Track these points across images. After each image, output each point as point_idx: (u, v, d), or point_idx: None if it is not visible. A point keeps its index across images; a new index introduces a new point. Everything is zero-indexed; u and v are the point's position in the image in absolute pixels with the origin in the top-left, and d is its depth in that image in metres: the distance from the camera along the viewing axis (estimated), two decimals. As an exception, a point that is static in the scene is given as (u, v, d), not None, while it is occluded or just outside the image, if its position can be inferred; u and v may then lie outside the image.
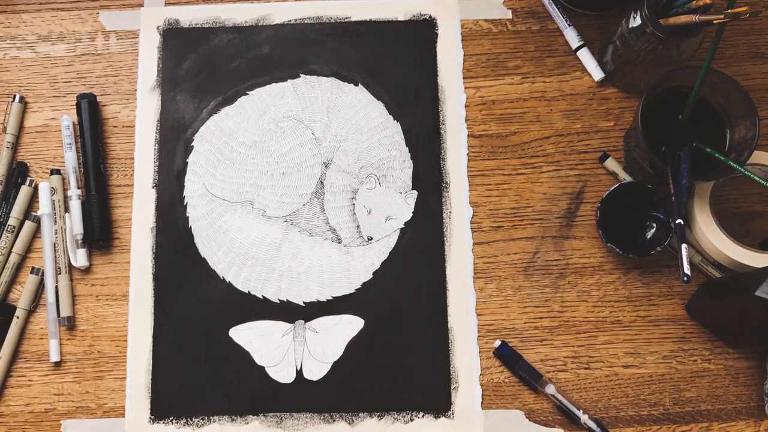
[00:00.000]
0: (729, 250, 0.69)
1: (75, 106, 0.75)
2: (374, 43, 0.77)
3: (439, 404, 0.70)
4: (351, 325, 0.71)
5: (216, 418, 0.70)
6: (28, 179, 0.74)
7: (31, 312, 0.72)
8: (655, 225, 0.71)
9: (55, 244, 0.72)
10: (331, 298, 0.72)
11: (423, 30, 0.77)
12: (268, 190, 0.74)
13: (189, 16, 0.78)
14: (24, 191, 0.73)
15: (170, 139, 0.75)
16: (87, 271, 0.73)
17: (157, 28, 0.77)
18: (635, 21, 0.67)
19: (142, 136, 0.75)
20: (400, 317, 0.71)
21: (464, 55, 0.76)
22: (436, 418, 0.70)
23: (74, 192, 0.73)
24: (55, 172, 0.74)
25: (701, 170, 0.67)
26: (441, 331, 0.71)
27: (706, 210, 0.69)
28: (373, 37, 0.77)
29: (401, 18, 0.77)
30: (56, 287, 0.72)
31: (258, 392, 0.70)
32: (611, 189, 0.69)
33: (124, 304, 0.72)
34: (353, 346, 0.71)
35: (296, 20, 0.77)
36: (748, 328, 0.66)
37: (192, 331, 0.71)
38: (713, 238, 0.69)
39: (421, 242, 0.73)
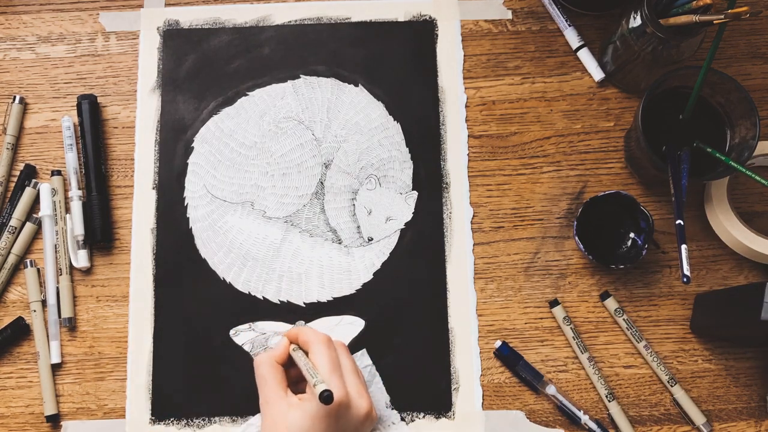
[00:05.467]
0: (753, 243, 0.69)
1: (75, 107, 0.75)
2: (374, 43, 0.77)
3: (440, 405, 0.70)
4: (351, 325, 0.71)
5: (217, 418, 0.70)
6: (33, 181, 0.74)
7: (44, 303, 0.72)
8: (629, 243, 0.71)
9: (56, 245, 0.72)
10: (331, 298, 0.72)
11: (423, 30, 0.77)
12: (268, 191, 0.74)
13: (189, 17, 0.78)
14: (27, 193, 0.73)
15: (170, 140, 0.75)
16: (87, 272, 0.73)
17: (157, 29, 0.77)
18: (635, 21, 0.67)
19: (143, 137, 0.75)
20: (400, 318, 0.71)
21: (464, 56, 0.76)
22: (437, 418, 0.70)
23: (75, 193, 0.73)
24: (56, 173, 0.74)
25: (702, 170, 0.67)
26: (441, 331, 0.71)
27: (725, 203, 0.70)
28: (373, 37, 0.77)
29: (401, 18, 0.77)
30: (57, 288, 0.72)
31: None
32: (606, 192, 0.69)
33: (125, 305, 0.72)
34: (354, 346, 0.71)
35: (296, 21, 0.77)
36: (757, 340, 0.67)
37: (192, 331, 0.71)
38: (735, 230, 0.69)
39: (422, 243, 0.73)
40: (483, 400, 0.70)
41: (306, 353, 0.63)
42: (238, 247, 0.73)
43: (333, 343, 0.64)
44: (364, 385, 0.63)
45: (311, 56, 0.77)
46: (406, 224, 0.73)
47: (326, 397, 0.56)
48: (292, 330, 0.65)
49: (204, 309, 0.72)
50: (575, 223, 0.69)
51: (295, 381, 0.64)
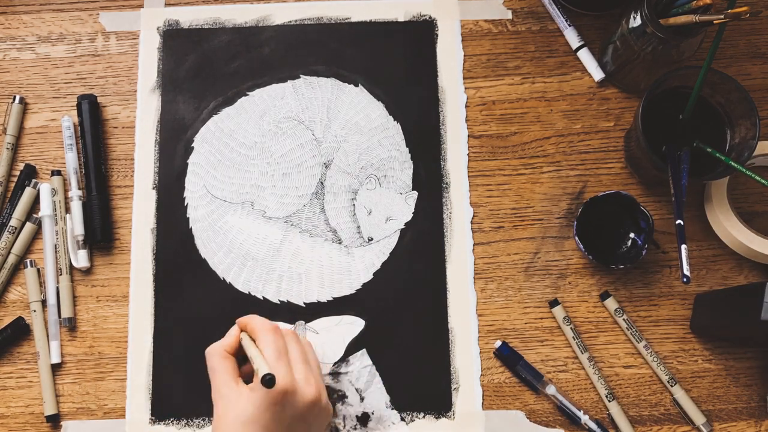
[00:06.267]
0: (753, 243, 0.69)
1: (75, 107, 0.75)
2: (374, 43, 0.77)
3: (440, 405, 0.70)
4: (351, 325, 0.71)
5: (216, 418, 0.70)
6: (33, 181, 0.74)
7: (44, 303, 0.72)
8: (629, 243, 0.71)
9: (56, 245, 0.72)
10: (331, 298, 0.72)
11: (423, 30, 0.77)
12: (268, 191, 0.74)
13: (189, 16, 0.78)
14: (27, 193, 0.73)
15: (170, 140, 0.75)
16: (87, 272, 0.73)
17: (157, 29, 0.77)
18: (635, 21, 0.67)
19: (143, 137, 0.75)
20: (400, 318, 0.71)
21: (464, 56, 0.76)
22: (437, 418, 0.70)
23: (75, 193, 0.73)
24: (56, 173, 0.74)
25: (702, 170, 0.67)
26: (441, 331, 0.71)
27: (725, 203, 0.70)
28: (373, 37, 0.77)
29: (401, 18, 0.77)
30: (57, 288, 0.72)
31: (258, 393, 0.70)
32: (606, 192, 0.69)
33: (125, 305, 0.72)
34: (354, 346, 0.71)
35: (296, 21, 0.77)
36: (757, 340, 0.67)
37: (192, 332, 0.71)
38: (735, 230, 0.69)
39: (422, 243, 0.73)
40: (483, 400, 0.70)
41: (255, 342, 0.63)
42: (238, 247, 0.73)
43: (280, 331, 0.64)
44: (313, 372, 0.63)
45: (311, 56, 0.77)
46: (406, 224, 0.73)
47: (268, 380, 0.56)
48: (243, 319, 0.65)
49: (204, 309, 0.72)
50: (575, 223, 0.69)
51: (250, 372, 0.64)
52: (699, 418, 0.69)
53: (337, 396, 0.70)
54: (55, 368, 0.71)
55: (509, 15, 0.77)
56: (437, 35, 0.77)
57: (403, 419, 0.70)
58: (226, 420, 0.59)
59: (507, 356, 0.70)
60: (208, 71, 0.76)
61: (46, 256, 0.72)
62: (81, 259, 0.72)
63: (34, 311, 0.71)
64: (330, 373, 0.70)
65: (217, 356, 0.62)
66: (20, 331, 0.71)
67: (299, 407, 0.60)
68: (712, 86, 0.67)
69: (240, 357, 0.64)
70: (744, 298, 0.62)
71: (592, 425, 0.69)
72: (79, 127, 0.74)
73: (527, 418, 0.70)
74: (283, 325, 0.71)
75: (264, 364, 0.59)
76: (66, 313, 0.71)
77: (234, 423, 0.59)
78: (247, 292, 0.72)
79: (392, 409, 0.70)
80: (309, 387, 0.61)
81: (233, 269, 0.73)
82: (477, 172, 0.74)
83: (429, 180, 0.74)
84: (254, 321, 0.64)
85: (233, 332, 0.64)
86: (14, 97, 0.75)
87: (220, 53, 0.77)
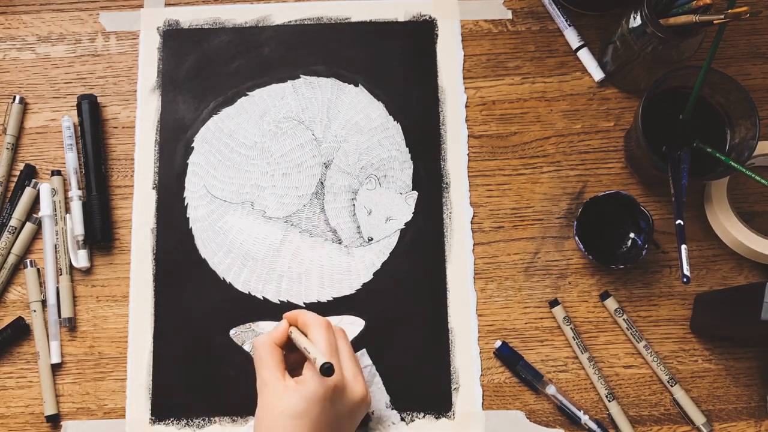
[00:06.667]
0: (753, 243, 0.69)
1: (75, 107, 0.75)
2: (374, 43, 0.77)
3: (440, 405, 0.70)
4: (351, 325, 0.71)
5: (217, 419, 0.70)
6: (33, 181, 0.74)
7: (44, 303, 0.72)
8: (629, 243, 0.71)
9: (56, 245, 0.72)
10: (331, 298, 0.72)
11: (423, 30, 0.77)
12: (268, 191, 0.74)
13: (189, 16, 0.78)
14: (27, 193, 0.73)
15: (170, 140, 0.75)
16: (87, 272, 0.73)
17: (157, 29, 0.77)
18: (635, 21, 0.67)
19: (143, 137, 0.75)
20: (400, 318, 0.71)
21: (464, 56, 0.76)
22: (437, 418, 0.70)
23: (75, 193, 0.73)
24: (56, 173, 0.74)
25: (702, 170, 0.67)
26: (441, 331, 0.71)
27: (725, 203, 0.70)
28: (373, 37, 0.77)
29: (401, 18, 0.77)
30: (57, 288, 0.72)
31: (258, 393, 0.70)
32: (606, 192, 0.69)
33: (125, 305, 0.72)
34: (354, 346, 0.71)
35: (296, 21, 0.77)
36: (758, 341, 0.67)
37: (192, 332, 0.71)
38: (735, 230, 0.69)
39: (422, 243, 0.73)
40: (483, 400, 0.70)
41: (305, 336, 0.63)
42: (238, 247, 0.73)
43: (332, 327, 0.64)
44: (360, 370, 0.63)
45: (311, 56, 0.77)
46: (406, 224, 0.73)
47: (327, 369, 0.56)
48: (292, 312, 0.65)
49: (204, 309, 0.72)
50: (575, 223, 0.69)
51: (294, 367, 0.64)
52: (699, 418, 0.69)
53: None
54: (55, 368, 0.71)
55: (509, 15, 0.77)
56: (437, 35, 0.77)
57: (403, 419, 0.70)
58: (273, 413, 0.59)
59: (507, 356, 0.70)
60: (208, 71, 0.76)
61: (46, 256, 0.72)
62: (81, 259, 0.72)
63: (34, 311, 0.71)
64: None
65: (266, 346, 0.62)
66: (20, 331, 0.71)
67: (348, 404, 0.61)
68: (712, 86, 0.67)
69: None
70: (744, 298, 0.62)
71: (592, 425, 0.69)
72: (79, 127, 0.74)
73: (527, 418, 0.70)
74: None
75: (320, 354, 0.59)
76: (66, 313, 0.71)
77: (281, 416, 0.58)
78: (247, 292, 0.72)
79: (392, 409, 0.70)
80: (358, 384, 0.62)
81: (233, 269, 0.73)
82: (477, 172, 0.74)
83: (429, 180, 0.74)
84: (307, 315, 0.64)
85: (282, 326, 0.64)
86: (14, 97, 0.75)
87: (220, 53, 0.77)
